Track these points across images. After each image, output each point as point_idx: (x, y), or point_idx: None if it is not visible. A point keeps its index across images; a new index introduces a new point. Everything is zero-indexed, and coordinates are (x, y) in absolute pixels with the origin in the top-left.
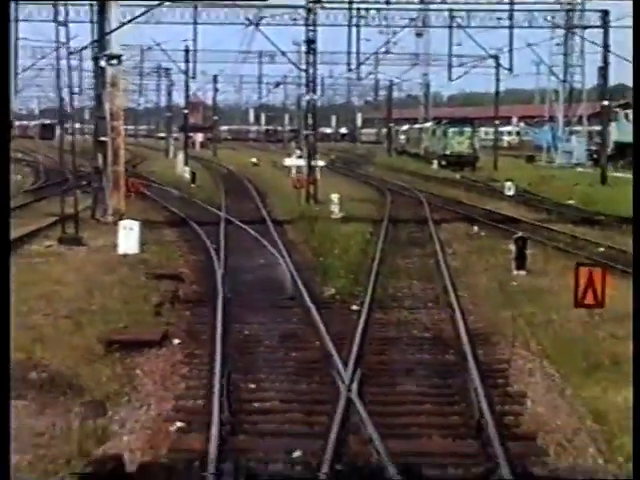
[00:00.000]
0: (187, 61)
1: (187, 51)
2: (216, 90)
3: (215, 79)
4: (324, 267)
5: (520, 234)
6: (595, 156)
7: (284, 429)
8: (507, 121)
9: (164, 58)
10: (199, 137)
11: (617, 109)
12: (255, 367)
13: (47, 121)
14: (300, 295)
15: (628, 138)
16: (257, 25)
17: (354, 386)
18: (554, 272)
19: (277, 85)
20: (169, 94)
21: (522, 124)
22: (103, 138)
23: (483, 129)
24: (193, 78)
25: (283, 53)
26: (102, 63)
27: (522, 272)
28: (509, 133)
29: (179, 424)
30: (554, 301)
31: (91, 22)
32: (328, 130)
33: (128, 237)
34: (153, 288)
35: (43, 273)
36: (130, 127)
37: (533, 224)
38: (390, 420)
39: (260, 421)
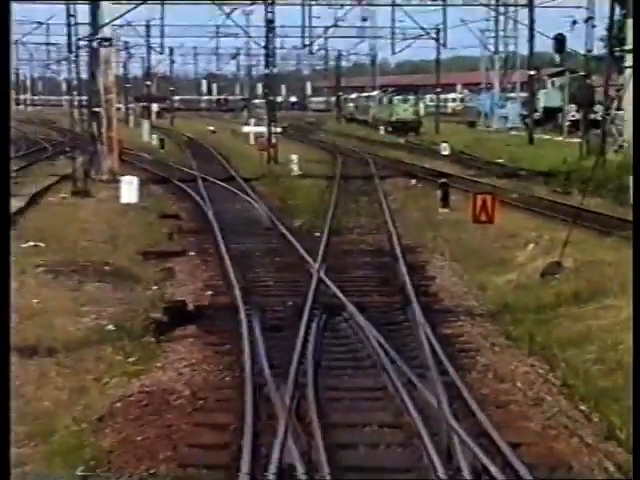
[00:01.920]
0: (148, 36)
1: (148, 26)
2: (172, 62)
3: (171, 52)
4: (291, 208)
5: (444, 180)
6: (527, 120)
7: (279, 293)
8: (452, 88)
9: (127, 32)
10: (154, 107)
11: (545, 77)
12: (252, 267)
13: None
14: (275, 226)
15: (554, 103)
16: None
17: (322, 272)
18: (470, 209)
19: (234, 57)
20: (124, 66)
21: (466, 91)
22: (97, 109)
23: (428, 96)
24: (161, 53)
25: (245, 31)
26: (95, 44)
27: (445, 210)
28: (453, 100)
29: (209, 292)
30: (465, 227)
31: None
32: (279, 99)
33: (129, 189)
34: (161, 224)
35: (70, 215)
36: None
37: (462, 177)
38: (346, 288)
39: (262, 291)
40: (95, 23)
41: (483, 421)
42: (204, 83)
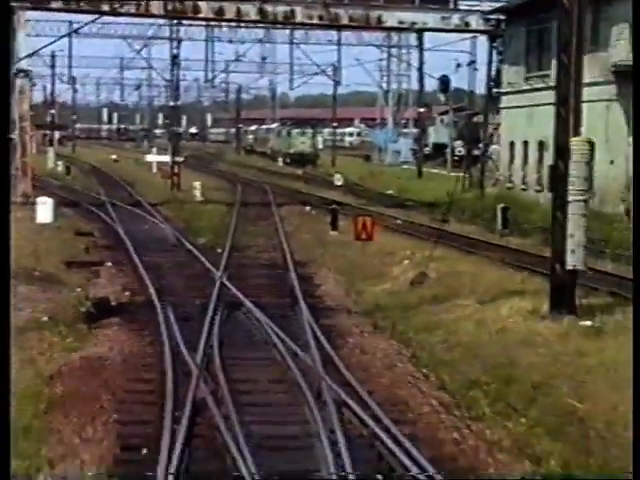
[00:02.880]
0: (53, 66)
1: (53, 56)
2: (75, 91)
3: (74, 80)
4: (195, 229)
5: (334, 206)
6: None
7: (188, 294)
8: (351, 123)
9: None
10: (56, 134)
11: (435, 115)
12: (164, 275)
13: None
14: (182, 243)
15: (443, 139)
16: (124, 38)
17: (224, 279)
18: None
19: (137, 88)
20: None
21: (363, 126)
22: (11, 135)
23: (327, 130)
24: (67, 83)
25: (150, 65)
26: (11, 75)
27: (334, 232)
28: (350, 134)
29: (127, 293)
30: (351, 247)
31: None
32: (179, 129)
33: (44, 210)
34: (76, 240)
35: None
36: None
37: (352, 205)
38: (245, 291)
39: (173, 293)
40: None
41: (347, 377)
42: (105, 112)
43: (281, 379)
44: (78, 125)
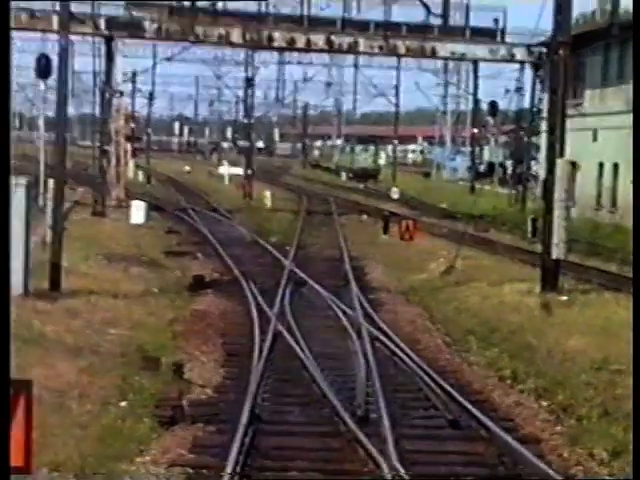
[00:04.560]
0: (134, 82)
1: (134, 74)
2: (151, 105)
3: (151, 96)
4: (266, 231)
5: (386, 214)
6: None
7: (264, 276)
8: (414, 140)
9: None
10: (129, 147)
11: (488, 135)
12: (244, 263)
13: None
14: (256, 241)
15: (496, 158)
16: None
17: (293, 266)
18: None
19: (211, 104)
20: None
21: (426, 144)
22: (107, 147)
23: (390, 147)
24: (150, 99)
25: (229, 87)
26: (107, 95)
27: (385, 236)
28: (413, 151)
29: (217, 274)
30: (397, 247)
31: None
32: (247, 144)
33: (138, 212)
34: (168, 237)
35: (96, 229)
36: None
37: (406, 216)
38: (308, 275)
39: (253, 275)
40: (109, 76)
41: (380, 325)
42: (177, 125)
43: (333, 325)
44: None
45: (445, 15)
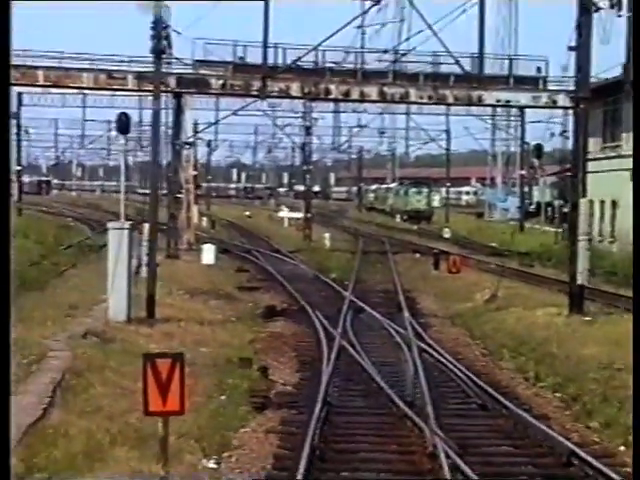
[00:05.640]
0: (196, 132)
1: (196, 124)
2: (210, 153)
3: (209, 144)
4: (326, 268)
5: (436, 251)
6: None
7: (327, 306)
8: (467, 181)
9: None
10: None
11: (537, 176)
12: (308, 295)
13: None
14: (318, 277)
15: (545, 198)
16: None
17: (352, 297)
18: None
19: (269, 151)
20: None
21: (479, 185)
22: (178, 195)
23: (443, 189)
24: (209, 146)
25: (288, 135)
26: (177, 147)
27: (436, 271)
28: (467, 193)
29: (285, 305)
30: (446, 280)
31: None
32: (302, 188)
33: (208, 253)
34: (238, 275)
35: (172, 270)
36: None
37: (457, 254)
38: (365, 304)
39: (317, 305)
40: (178, 128)
41: (428, 341)
42: (234, 172)
43: (387, 340)
44: (205, 184)
45: (481, 65)
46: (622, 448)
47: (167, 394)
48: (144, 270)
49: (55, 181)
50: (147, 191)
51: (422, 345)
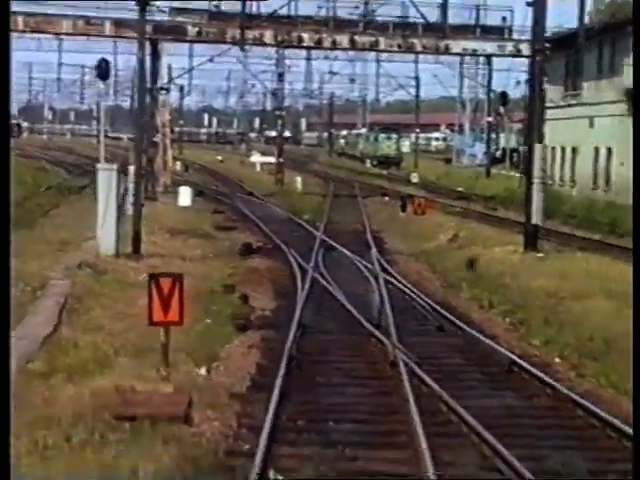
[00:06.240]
0: (171, 78)
1: (170, 69)
2: (182, 98)
3: (182, 89)
4: (299, 210)
5: (403, 194)
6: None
7: (300, 244)
8: (437, 127)
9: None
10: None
11: (504, 122)
12: (282, 234)
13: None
14: (291, 219)
15: (511, 144)
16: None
17: (323, 236)
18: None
19: (241, 97)
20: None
21: (448, 131)
22: (155, 139)
23: (413, 135)
24: (182, 91)
25: (261, 82)
26: (154, 92)
27: (403, 214)
28: (436, 139)
29: (260, 243)
30: (413, 222)
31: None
32: (273, 133)
33: (185, 196)
34: (214, 216)
35: (150, 211)
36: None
37: (423, 197)
38: (336, 242)
39: (291, 244)
40: (155, 74)
41: (393, 273)
42: (206, 117)
43: (356, 273)
44: (177, 129)
45: (444, 15)
46: (557, 360)
47: (169, 308)
48: (129, 209)
49: (25, 124)
50: (118, 135)
51: (388, 278)
